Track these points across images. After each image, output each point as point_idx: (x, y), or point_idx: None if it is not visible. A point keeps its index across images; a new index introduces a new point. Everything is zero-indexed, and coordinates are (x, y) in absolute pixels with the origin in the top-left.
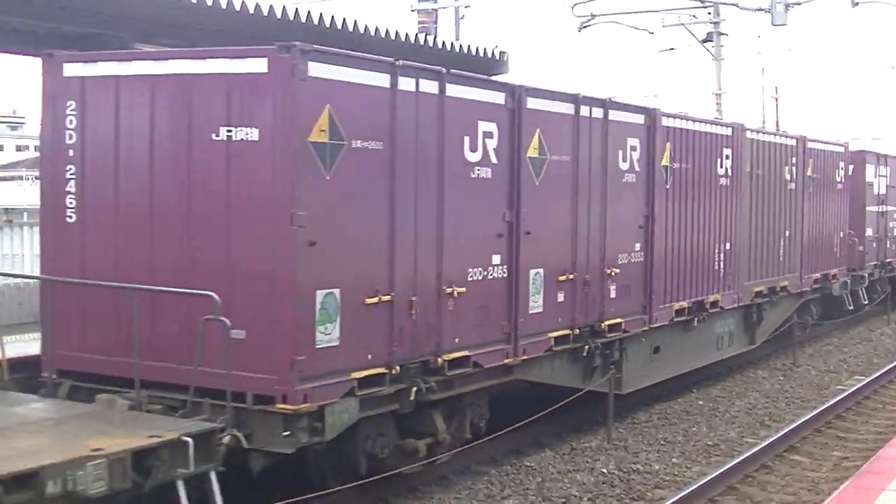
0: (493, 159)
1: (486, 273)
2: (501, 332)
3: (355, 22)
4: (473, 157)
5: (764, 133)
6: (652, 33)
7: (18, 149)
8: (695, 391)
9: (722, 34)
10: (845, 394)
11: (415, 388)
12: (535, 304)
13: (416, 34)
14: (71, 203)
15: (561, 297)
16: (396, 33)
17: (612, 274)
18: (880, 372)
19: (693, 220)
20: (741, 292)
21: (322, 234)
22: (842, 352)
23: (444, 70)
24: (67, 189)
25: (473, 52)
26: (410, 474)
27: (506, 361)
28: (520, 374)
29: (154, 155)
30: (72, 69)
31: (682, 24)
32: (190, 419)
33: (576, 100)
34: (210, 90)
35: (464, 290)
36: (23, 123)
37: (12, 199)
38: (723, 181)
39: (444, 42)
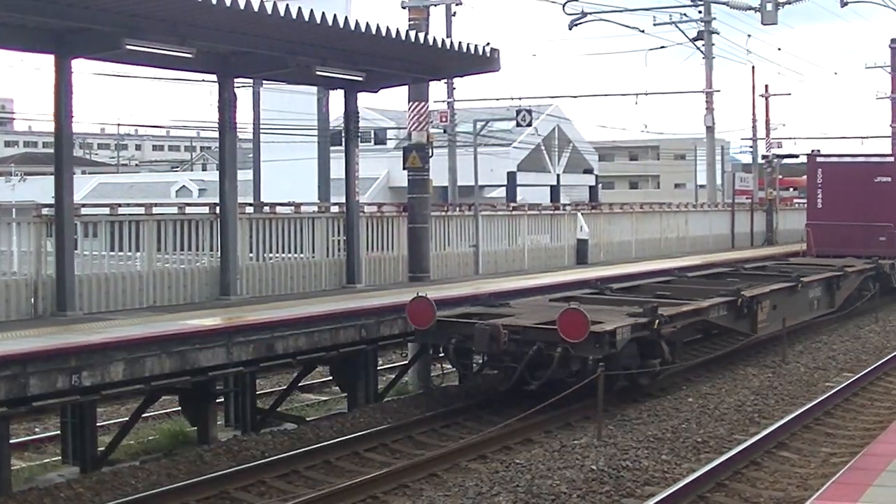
0: None
1: None
2: None
3: (346, 18)
4: None
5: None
6: (643, 31)
7: (7, 144)
8: (685, 388)
9: (713, 32)
10: (834, 391)
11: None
12: None
13: (407, 31)
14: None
15: None
16: (388, 29)
17: None
18: (868, 369)
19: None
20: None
21: None
22: (831, 349)
23: None
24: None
25: (465, 49)
26: (401, 471)
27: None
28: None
29: None
30: None
31: (674, 22)
32: None
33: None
34: None
35: None
36: (12, 118)
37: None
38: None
39: (435, 38)
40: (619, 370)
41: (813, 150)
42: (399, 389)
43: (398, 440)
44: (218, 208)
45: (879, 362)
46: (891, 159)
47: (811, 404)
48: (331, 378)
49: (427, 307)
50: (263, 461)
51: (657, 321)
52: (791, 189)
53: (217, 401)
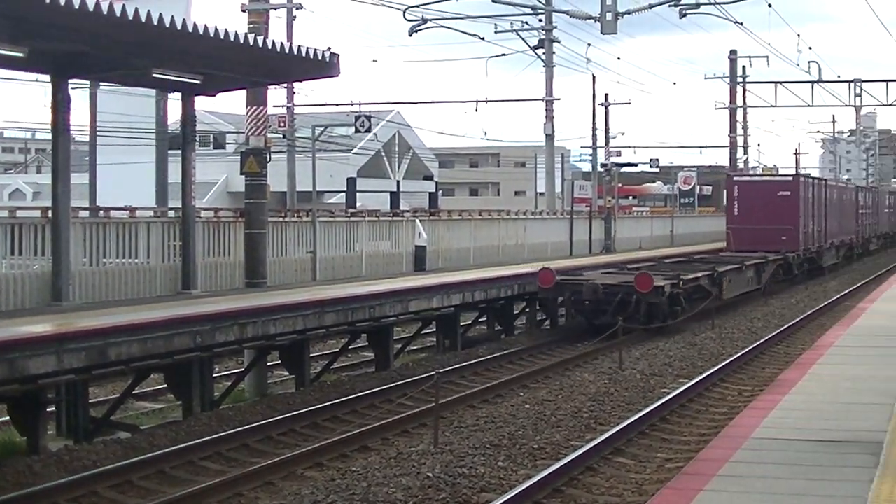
0: None
1: None
2: None
3: (183, 21)
4: None
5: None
6: (482, 38)
7: None
8: (521, 394)
9: (553, 41)
10: (670, 397)
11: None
12: None
13: (246, 34)
14: None
15: None
16: (226, 32)
17: None
18: (704, 375)
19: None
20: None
21: None
22: (667, 355)
23: None
24: None
25: (304, 54)
26: (235, 480)
27: None
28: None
29: None
30: None
31: (515, 30)
32: None
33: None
34: None
35: None
36: None
37: None
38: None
39: (274, 42)
40: (664, 313)
41: (729, 172)
42: (235, 397)
43: (234, 448)
44: (51, 212)
45: (715, 368)
46: (790, 178)
47: (647, 410)
48: (165, 386)
49: (551, 273)
50: (95, 471)
51: (681, 281)
52: (630, 197)
53: (48, 409)
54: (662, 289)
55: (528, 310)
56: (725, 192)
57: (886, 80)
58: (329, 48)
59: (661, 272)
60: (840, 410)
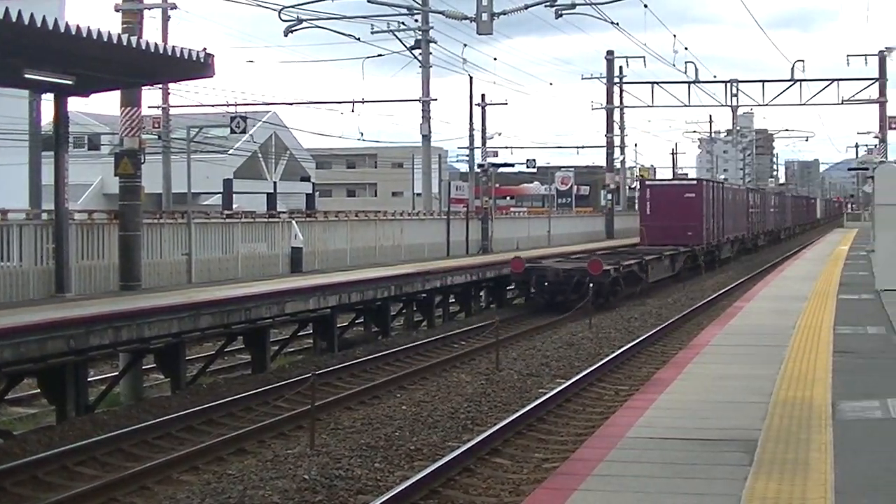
0: None
1: None
2: None
3: (55, 20)
4: None
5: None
6: (359, 39)
7: None
8: (398, 396)
9: (430, 41)
10: (546, 396)
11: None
12: None
13: (119, 34)
14: None
15: None
16: (99, 32)
17: None
18: (581, 375)
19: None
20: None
21: None
22: (544, 355)
23: None
24: None
25: (178, 54)
26: (110, 484)
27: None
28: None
29: None
30: None
31: (391, 30)
32: None
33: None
34: None
35: None
36: None
37: None
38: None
39: (147, 43)
40: (607, 291)
41: (642, 177)
42: (111, 401)
43: (109, 453)
44: None
45: (591, 368)
46: (694, 182)
47: (524, 410)
48: (39, 390)
49: (521, 261)
50: None
51: (622, 266)
52: (508, 198)
53: None
54: (609, 272)
55: (404, 311)
56: (639, 195)
57: (762, 81)
58: (204, 49)
59: (604, 259)
60: (715, 409)
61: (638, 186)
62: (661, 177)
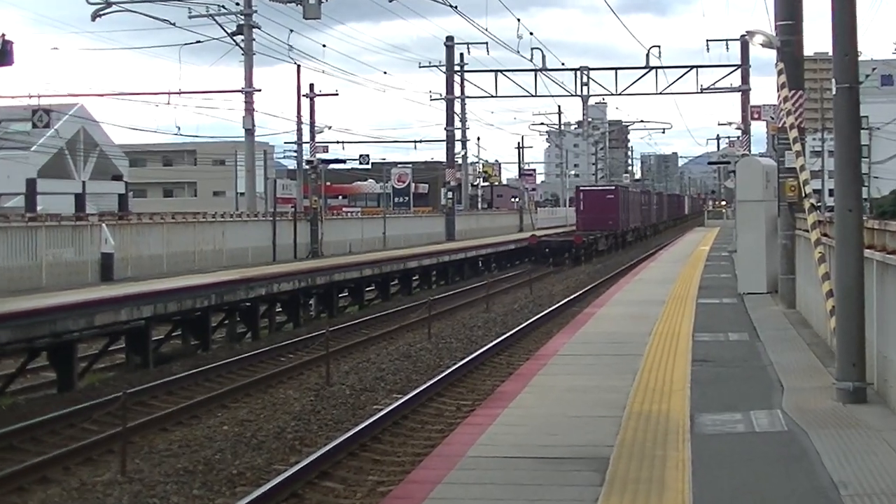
0: None
1: None
2: None
3: None
4: None
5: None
6: (174, 24)
7: None
8: (220, 415)
9: (254, 27)
10: (381, 413)
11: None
12: None
13: None
14: None
15: None
16: None
17: None
18: (419, 389)
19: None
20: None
21: None
22: (379, 369)
23: None
24: None
25: None
26: None
27: None
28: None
29: None
30: None
31: (211, 14)
32: None
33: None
34: None
35: None
36: None
37: None
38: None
39: None
40: (581, 256)
41: (578, 186)
42: None
43: None
44: None
45: (430, 382)
46: (613, 187)
47: (357, 429)
48: None
49: (536, 237)
50: None
51: (589, 239)
52: (340, 197)
53: None
54: (585, 242)
55: (226, 322)
56: (574, 196)
57: (615, 68)
58: (3, 35)
59: (579, 235)
60: (563, 424)
61: (575, 191)
62: (507, 175)
